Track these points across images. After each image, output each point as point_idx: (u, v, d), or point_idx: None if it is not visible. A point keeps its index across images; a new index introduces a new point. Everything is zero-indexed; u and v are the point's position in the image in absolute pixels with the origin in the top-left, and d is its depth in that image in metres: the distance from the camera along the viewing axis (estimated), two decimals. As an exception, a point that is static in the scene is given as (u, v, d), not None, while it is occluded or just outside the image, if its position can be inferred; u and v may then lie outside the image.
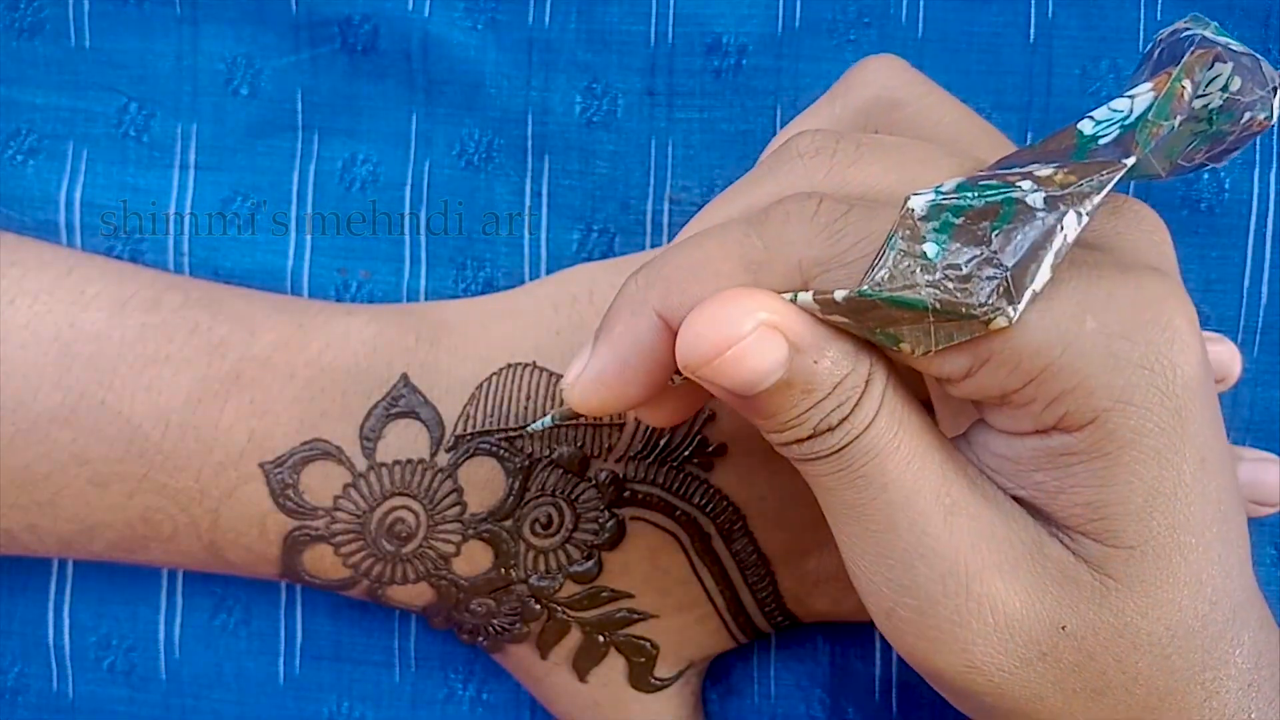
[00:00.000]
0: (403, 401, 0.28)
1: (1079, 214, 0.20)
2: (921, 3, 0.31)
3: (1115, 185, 0.20)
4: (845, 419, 0.21)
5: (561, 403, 0.28)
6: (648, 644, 0.30)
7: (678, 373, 0.23)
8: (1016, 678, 0.22)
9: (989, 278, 0.20)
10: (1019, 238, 0.20)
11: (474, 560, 0.29)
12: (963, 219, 0.20)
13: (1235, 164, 0.31)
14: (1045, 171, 0.20)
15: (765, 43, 0.32)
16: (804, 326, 0.21)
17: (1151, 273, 0.21)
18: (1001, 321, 0.20)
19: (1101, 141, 0.21)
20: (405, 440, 0.28)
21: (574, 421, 0.28)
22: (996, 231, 0.20)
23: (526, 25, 0.32)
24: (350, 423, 0.28)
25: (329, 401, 0.28)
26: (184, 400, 0.28)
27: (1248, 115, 0.21)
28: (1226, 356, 0.28)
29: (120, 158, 0.32)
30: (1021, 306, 0.20)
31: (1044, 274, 0.20)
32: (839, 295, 0.20)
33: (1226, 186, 0.31)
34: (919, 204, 0.20)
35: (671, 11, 0.32)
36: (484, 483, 0.29)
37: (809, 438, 0.21)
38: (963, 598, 0.21)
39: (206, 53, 0.32)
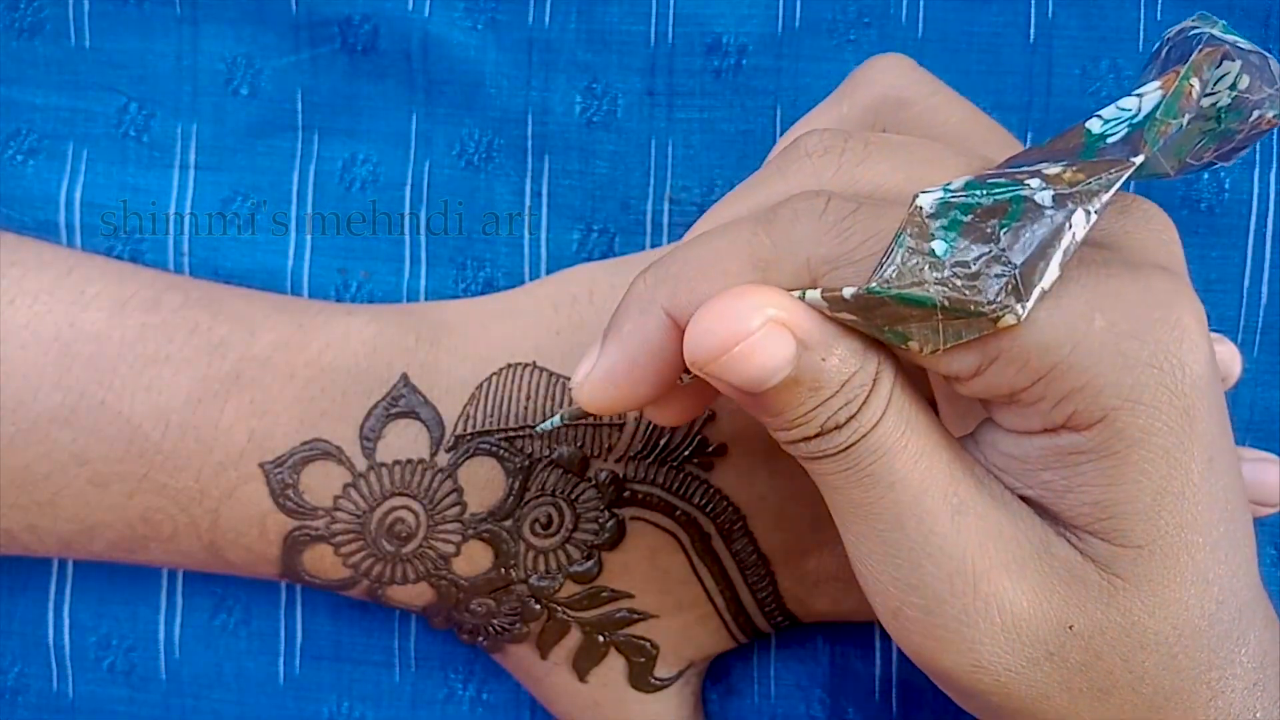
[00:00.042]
0: (403, 401, 0.28)
1: (1087, 212, 0.20)
2: (921, 3, 0.31)
3: (1123, 183, 0.20)
4: (853, 417, 0.21)
5: (570, 402, 0.28)
6: (648, 644, 0.30)
7: (686, 371, 0.23)
8: (1023, 677, 0.22)
9: (997, 275, 0.20)
10: (1027, 235, 0.20)
11: (474, 560, 0.29)
12: (971, 217, 0.20)
13: (1235, 164, 0.31)
14: (1054, 170, 0.20)
15: (765, 43, 0.32)
16: (812, 323, 0.21)
17: (1160, 272, 0.21)
18: (1010, 319, 0.20)
19: (1110, 140, 0.21)
20: (405, 440, 0.28)
21: (583, 421, 0.28)
22: (1005, 229, 0.20)
23: (526, 25, 0.32)
24: (350, 423, 0.28)
25: (329, 401, 0.28)
26: (184, 400, 0.28)
27: (1256, 113, 0.21)
28: (1227, 357, 0.28)
29: (120, 158, 0.32)
30: (1030, 304, 0.20)
31: (1053, 272, 0.20)
32: (847, 292, 0.20)
33: (1226, 186, 0.31)
34: (927, 202, 0.20)
35: (671, 11, 0.32)
36: (484, 483, 0.28)
37: (816, 435, 0.21)
38: (970, 597, 0.21)
39: (206, 53, 0.32)
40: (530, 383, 0.28)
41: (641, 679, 0.30)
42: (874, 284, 0.20)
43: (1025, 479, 0.22)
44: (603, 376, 0.23)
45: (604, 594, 0.29)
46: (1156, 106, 0.21)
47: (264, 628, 0.33)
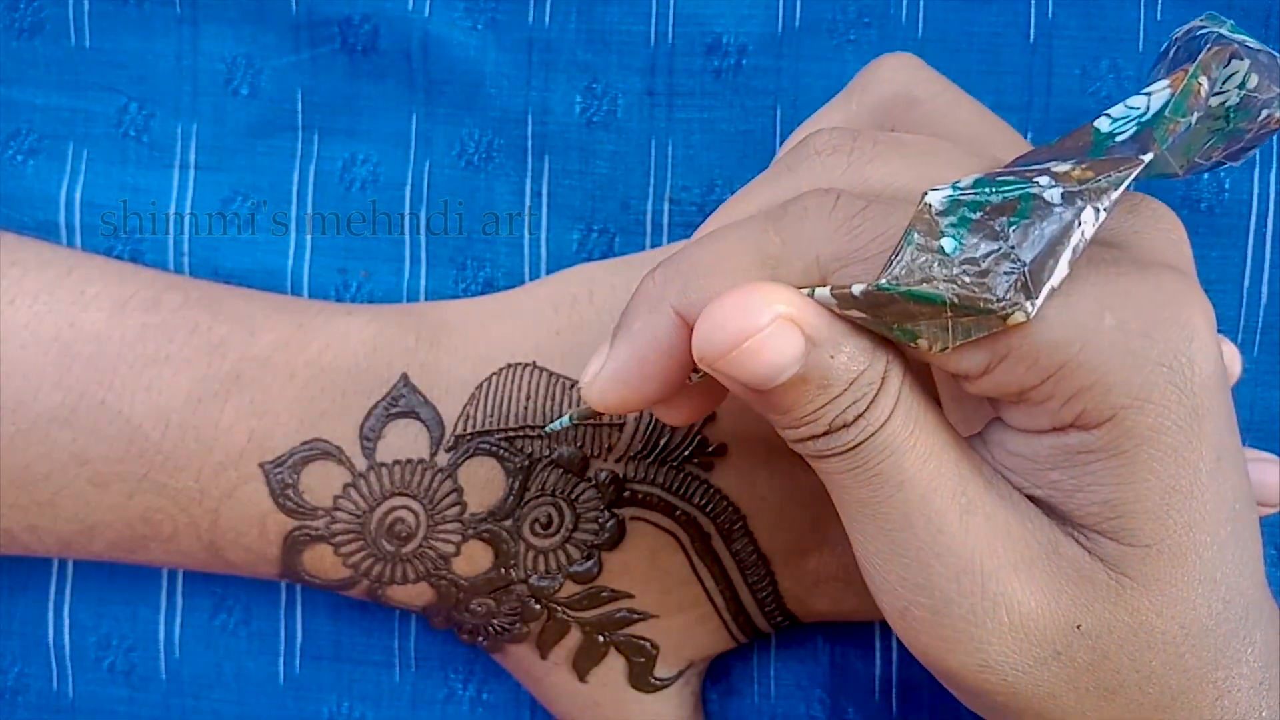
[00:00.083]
0: (403, 401, 0.28)
1: (1097, 209, 0.20)
2: (921, 3, 0.31)
3: (1133, 181, 0.20)
4: (861, 415, 0.21)
5: (579, 402, 0.28)
6: (648, 644, 0.30)
7: (695, 370, 0.23)
8: (1030, 677, 0.21)
9: (1007, 273, 0.20)
10: (1036, 233, 0.20)
11: (474, 560, 0.29)
12: (980, 214, 0.20)
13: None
14: (1063, 168, 0.20)
15: (765, 43, 0.32)
16: (821, 321, 0.21)
17: (1170, 271, 0.21)
18: (1019, 316, 0.20)
19: (1118, 139, 0.21)
20: (405, 440, 0.28)
21: (592, 421, 0.28)
22: (1014, 227, 0.20)
23: (526, 25, 0.32)
24: (350, 423, 0.28)
25: (329, 401, 0.28)
26: (184, 400, 0.28)
27: (1265, 112, 0.21)
28: (1227, 357, 0.28)
29: (120, 158, 0.32)
30: (1040, 301, 0.20)
31: (1062, 269, 0.20)
32: (856, 289, 0.20)
33: (1226, 186, 0.31)
34: (936, 199, 0.20)
35: (671, 11, 0.32)
36: (484, 483, 0.28)
37: (824, 434, 0.21)
38: (978, 597, 0.21)
39: (206, 53, 0.32)
40: (530, 383, 0.28)
41: (641, 679, 0.30)
42: (883, 281, 0.20)
43: (1033, 478, 0.22)
44: (612, 375, 0.23)
45: (604, 594, 0.29)
46: (1165, 105, 0.21)
47: (264, 628, 0.33)
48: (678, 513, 0.29)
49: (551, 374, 0.28)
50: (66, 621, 0.33)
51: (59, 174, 0.32)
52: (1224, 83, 0.21)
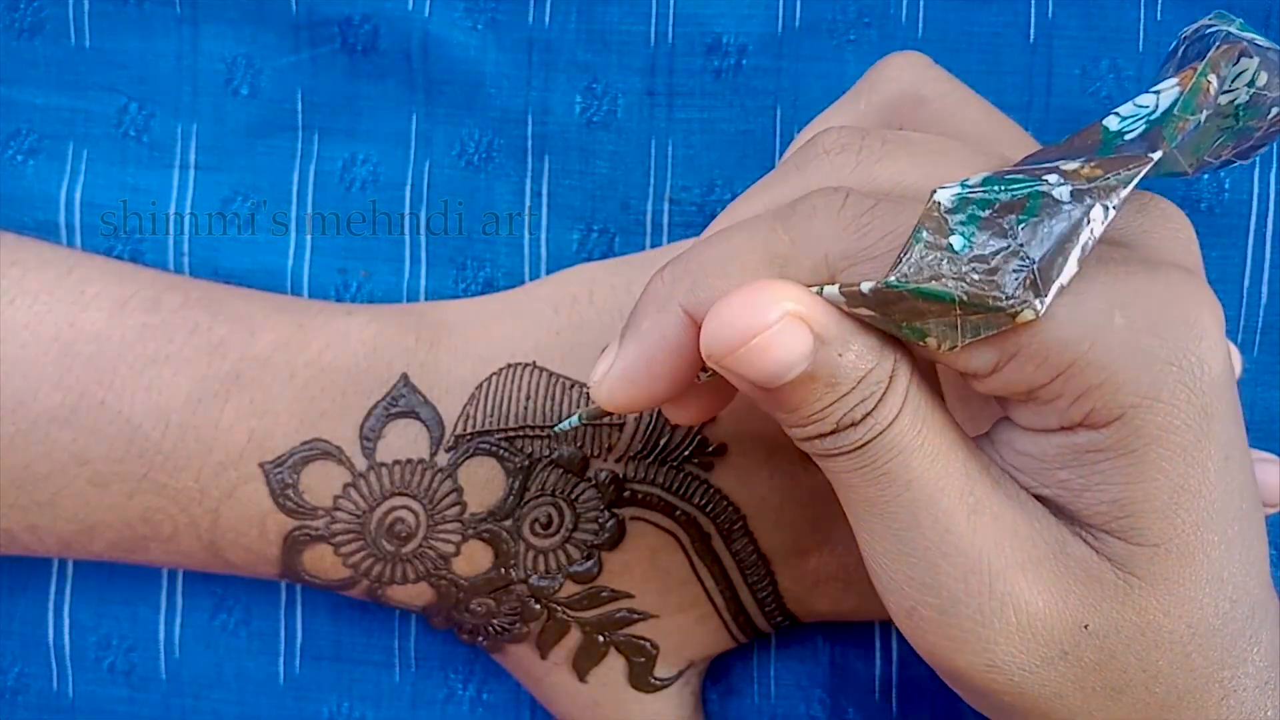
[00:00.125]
0: (403, 401, 0.28)
1: (1105, 207, 0.20)
2: (921, 3, 0.31)
3: (1142, 179, 0.20)
4: (869, 414, 0.21)
5: (589, 402, 0.28)
6: (648, 644, 0.30)
7: (704, 369, 0.23)
8: (1037, 677, 0.21)
9: (1016, 270, 0.19)
10: (1045, 230, 0.20)
11: (474, 560, 0.29)
12: (989, 212, 0.20)
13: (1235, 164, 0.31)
14: (1071, 166, 0.20)
15: (765, 43, 0.32)
16: (829, 318, 0.21)
17: (1179, 271, 0.21)
18: (1029, 314, 0.20)
19: (1127, 137, 0.21)
20: (405, 440, 0.28)
21: (601, 421, 0.28)
22: (1023, 224, 0.20)
23: (526, 25, 0.32)
24: (350, 423, 0.28)
25: (329, 401, 0.28)
26: (184, 400, 0.28)
27: (1275, 110, 0.21)
28: (1228, 357, 0.28)
29: (120, 158, 0.32)
30: (1049, 299, 0.20)
31: (1071, 267, 0.20)
32: (865, 287, 0.20)
33: (1226, 186, 0.31)
34: (945, 197, 0.20)
35: (671, 11, 0.32)
36: (484, 482, 0.28)
37: (832, 432, 0.21)
38: (985, 596, 0.21)
39: (206, 53, 0.32)
40: (530, 383, 0.28)
41: (641, 679, 0.30)
42: (892, 278, 0.20)
43: (1041, 478, 0.22)
44: (621, 375, 0.23)
45: (604, 594, 0.29)
46: (1174, 103, 0.21)
47: (264, 628, 0.33)
48: (678, 513, 0.29)
49: (551, 374, 0.28)
50: (66, 621, 0.33)
51: (59, 174, 0.32)
52: (1233, 81, 0.21)
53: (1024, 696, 0.22)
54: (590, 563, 0.29)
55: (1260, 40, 0.21)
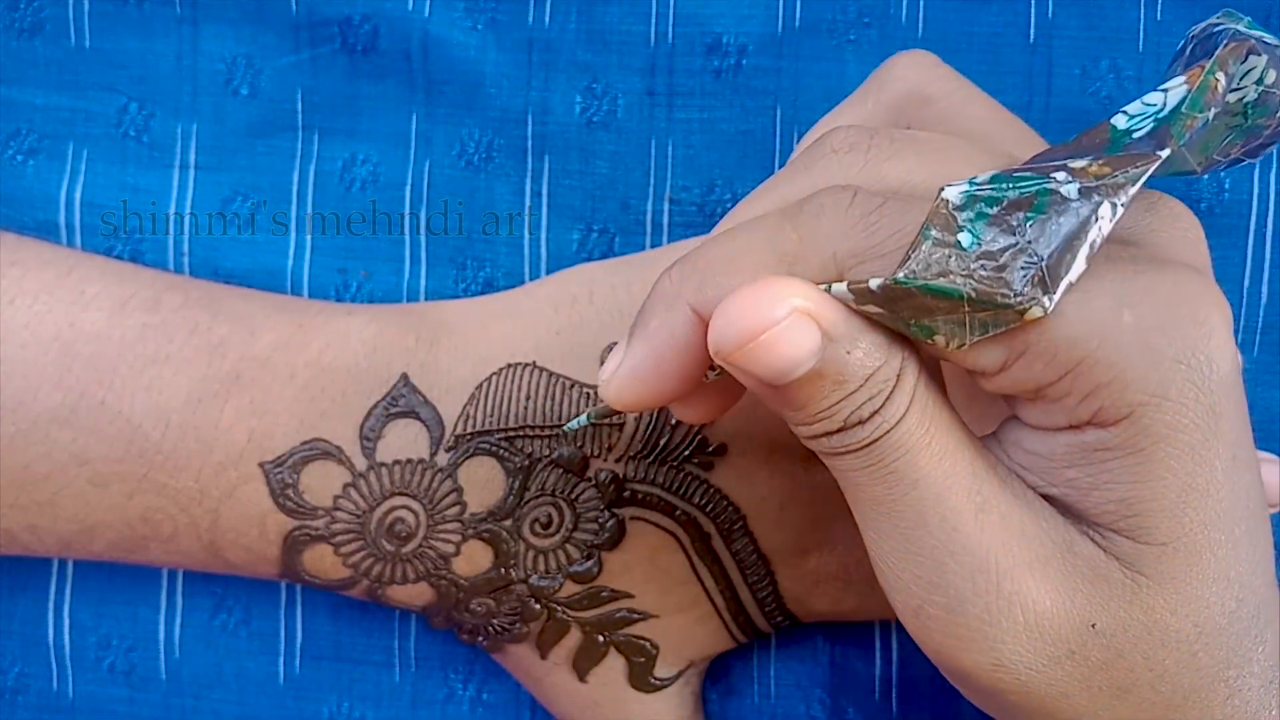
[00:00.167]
0: (403, 401, 0.28)
1: (1114, 205, 0.20)
2: (921, 3, 0.31)
3: (1150, 177, 0.20)
4: (876, 412, 0.21)
5: (596, 401, 0.28)
6: (647, 644, 0.30)
7: (713, 367, 0.23)
8: (1044, 676, 0.21)
9: (1024, 267, 0.19)
10: (1053, 228, 0.20)
11: (474, 560, 0.29)
12: (997, 209, 0.20)
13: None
14: (1079, 163, 0.20)
15: (765, 43, 0.32)
16: (837, 315, 0.20)
17: (1188, 269, 0.21)
18: (1037, 311, 0.20)
19: (1135, 135, 0.21)
20: (405, 440, 0.28)
21: (608, 420, 0.28)
22: (1031, 222, 0.20)
23: (526, 25, 0.32)
24: (350, 423, 0.28)
25: (329, 401, 0.28)
26: (184, 400, 0.28)
27: None
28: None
29: (120, 158, 0.32)
30: (1058, 296, 0.19)
31: (1079, 265, 0.20)
32: (874, 283, 0.20)
33: (1226, 186, 0.31)
34: (953, 194, 0.20)
35: (671, 11, 0.32)
36: (484, 482, 0.28)
37: (839, 430, 0.21)
38: (992, 596, 0.21)
39: (206, 53, 0.32)
40: (530, 382, 0.28)
41: (641, 679, 0.30)
42: (900, 275, 0.20)
43: (1049, 477, 0.22)
44: (629, 373, 0.23)
45: (604, 594, 0.29)
46: (1182, 101, 0.21)
47: (264, 628, 0.33)
48: (678, 512, 0.29)
49: (551, 374, 0.28)
50: (66, 621, 0.33)
51: (59, 174, 0.32)
52: (1241, 78, 0.21)
53: (1030, 695, 0.22)
54: (590, 563, 0.29)
55: (1269, 38, 0.21)
